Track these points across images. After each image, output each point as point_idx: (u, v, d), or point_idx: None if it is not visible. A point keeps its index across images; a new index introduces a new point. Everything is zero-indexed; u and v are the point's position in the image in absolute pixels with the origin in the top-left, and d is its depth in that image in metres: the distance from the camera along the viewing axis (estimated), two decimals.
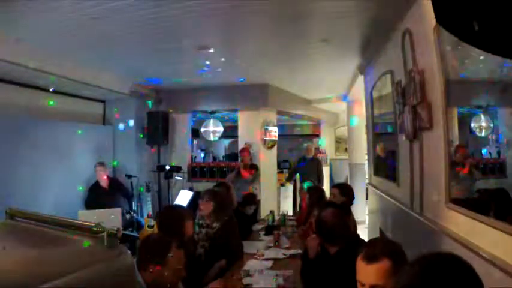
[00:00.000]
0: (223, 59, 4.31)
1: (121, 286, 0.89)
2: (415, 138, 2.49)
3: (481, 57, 1.51)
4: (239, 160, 5.53)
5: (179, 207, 2.77)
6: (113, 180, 4.93)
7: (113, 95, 5.35)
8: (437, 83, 1.99)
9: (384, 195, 3.59)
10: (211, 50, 3.90)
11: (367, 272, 1.25)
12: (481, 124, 1.71)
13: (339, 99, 7.12)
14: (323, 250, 2.09)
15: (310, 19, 3.18)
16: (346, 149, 8.18)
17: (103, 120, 5.84)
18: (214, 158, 7.56)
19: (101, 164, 4.82)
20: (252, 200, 4.07)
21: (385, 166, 3.76)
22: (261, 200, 5.35)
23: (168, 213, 2.42)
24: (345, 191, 3.24)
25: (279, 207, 6.52)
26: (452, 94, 1.88)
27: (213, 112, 6.20)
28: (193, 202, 4.15)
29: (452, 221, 1.88)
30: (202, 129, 6.21)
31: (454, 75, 1.85)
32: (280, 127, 7.27)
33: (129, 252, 0.95)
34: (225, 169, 6.20)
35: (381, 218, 3.86)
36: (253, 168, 5.29)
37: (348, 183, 6.20)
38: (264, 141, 6.05)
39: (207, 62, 4.33)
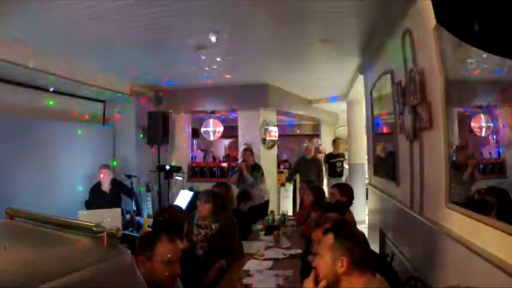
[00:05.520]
0: (222, 59, 4.31)
1: (121, 286, 0.88)
2: (415, 138, 2.49)
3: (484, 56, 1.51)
4: (239, 160, 5.45)
5: (176, 207, 2.73)
6: (115, 183, 4.86)
7: (113, 95, 5.36)
8: (437, 83, 1.98)
9: (384, 195, 3.58)
10: (211, 50, 3.90)
11: None
12: (481, 124, 1.71)
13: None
14: None
15: (310, 19, 3.17)
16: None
17: (103, 120, 5.85)
18: (215, 158, 7.55)
19: (106, 166, 4.65)
20: (246, 196, 4.03)
21: (385, 166, 3.76)
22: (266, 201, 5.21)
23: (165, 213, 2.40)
24: (344, 191, 3.25)
25: (279, 207, 6.52)
26: (452, 94, 1.87)
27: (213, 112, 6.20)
28: (193, 202, 4.13)
29: (452, 221, 1.87)
30: (202, 129, 6.21)
31: (454, 75, 1.85)
32: (280, 127, 7.27)
33: (129, 252, 0.94)
34: (225, 169, 6.20)
35: (381, 218, 3.86)
36: (255, 169, 5.07)
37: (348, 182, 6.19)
38: (264, 141, 6.04)
39: (205, 59, 4.31)
